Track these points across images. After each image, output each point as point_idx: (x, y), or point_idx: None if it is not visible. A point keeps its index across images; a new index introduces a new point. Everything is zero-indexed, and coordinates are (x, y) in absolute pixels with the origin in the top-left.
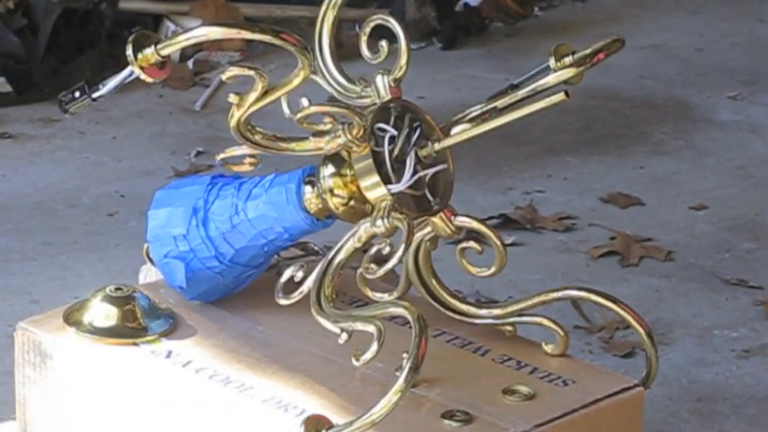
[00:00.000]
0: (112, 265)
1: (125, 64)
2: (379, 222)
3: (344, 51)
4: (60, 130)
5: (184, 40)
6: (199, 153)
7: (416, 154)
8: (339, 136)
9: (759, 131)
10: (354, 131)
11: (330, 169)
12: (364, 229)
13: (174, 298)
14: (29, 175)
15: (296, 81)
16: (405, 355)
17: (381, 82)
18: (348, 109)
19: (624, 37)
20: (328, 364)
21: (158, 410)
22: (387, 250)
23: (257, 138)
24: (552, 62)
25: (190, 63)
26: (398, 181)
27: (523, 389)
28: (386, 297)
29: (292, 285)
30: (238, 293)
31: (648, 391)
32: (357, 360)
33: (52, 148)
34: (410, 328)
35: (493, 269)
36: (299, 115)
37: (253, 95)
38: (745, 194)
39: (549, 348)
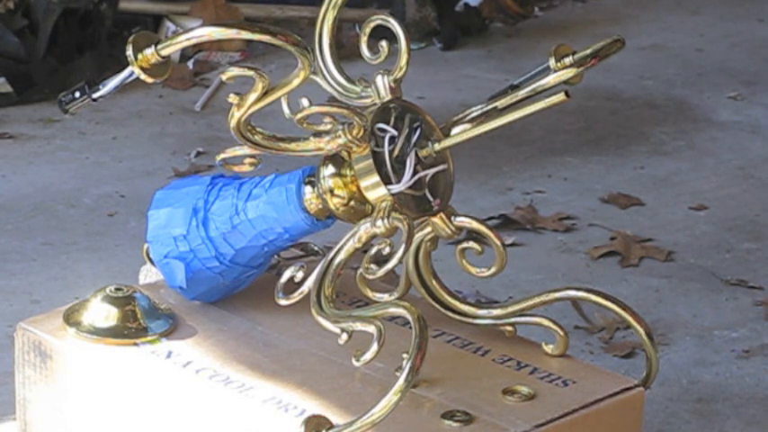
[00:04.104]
0: (112, 265)
1: (125, 64)
2: (379, 223)
3: (344, 51)
4: (60, 131)
5: (185, 40)
6: (199, 153)
7: (416, 154)
8: (339, 136)
9: (759, 131)
10: (354, 132)
11: (330, 169)
12: (364, 229)
13: (174, 298)
14: (29, 176)
15: (296, 81)
16: (405, 356)
17: (381, 82)
18: (348, 109)
19: (624, 37)
20: (328, 364)
21: (158, 410)
22: (387, 251)
23: (257, 138)
24: (552, 62)
25: (190, 63)
26: (398, 181)
27: (523, 389)
28: (386, 297)
29: (292, 285)
30: (238, 293)
31: (648, 391)
32: (357, 360)
33: (52, 149)
34: (410, 328)
35: (493, 269)
36: (299, 115)
37: (253, 96)
38: (745, 195)
39: (549, 348)
